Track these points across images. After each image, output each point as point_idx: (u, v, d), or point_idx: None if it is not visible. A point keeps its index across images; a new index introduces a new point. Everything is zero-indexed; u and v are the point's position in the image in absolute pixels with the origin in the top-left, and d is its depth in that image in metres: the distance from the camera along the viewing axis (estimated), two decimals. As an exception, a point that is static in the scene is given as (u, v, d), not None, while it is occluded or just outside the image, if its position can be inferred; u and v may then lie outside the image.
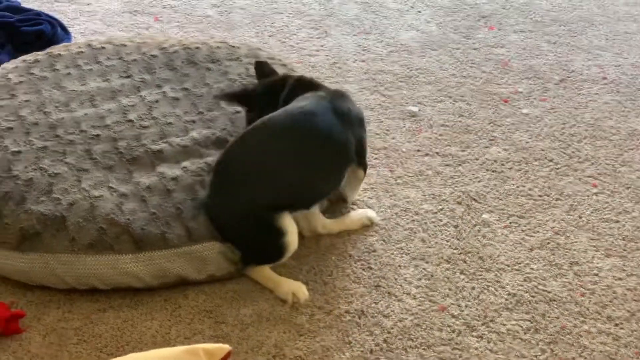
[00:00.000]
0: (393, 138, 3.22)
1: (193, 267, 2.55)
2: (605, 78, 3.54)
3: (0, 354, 2.40)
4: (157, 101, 2.98)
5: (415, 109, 3.38)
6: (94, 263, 2.51)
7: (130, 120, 2.89)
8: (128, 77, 3.10)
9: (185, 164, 2.72)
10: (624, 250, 2.69)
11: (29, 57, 3.21)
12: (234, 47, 3.29)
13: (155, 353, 1.41)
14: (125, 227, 2.53)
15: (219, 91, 3.01)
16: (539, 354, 2.37)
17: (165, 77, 3.10)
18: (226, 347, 1.42)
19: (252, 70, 3.11)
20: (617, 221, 2.81)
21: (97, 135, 2.82)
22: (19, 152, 2.75)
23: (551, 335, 2.42)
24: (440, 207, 2.89)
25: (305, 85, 2.77)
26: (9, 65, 3.19)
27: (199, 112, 2.94)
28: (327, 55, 3.75)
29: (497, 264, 2.66)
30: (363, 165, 2.79)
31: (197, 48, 3.25)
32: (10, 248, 2.54)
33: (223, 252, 2.58)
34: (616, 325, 2.44)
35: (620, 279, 2.59)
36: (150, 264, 2.52)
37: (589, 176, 3.01)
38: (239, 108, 2.95)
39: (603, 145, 3.15)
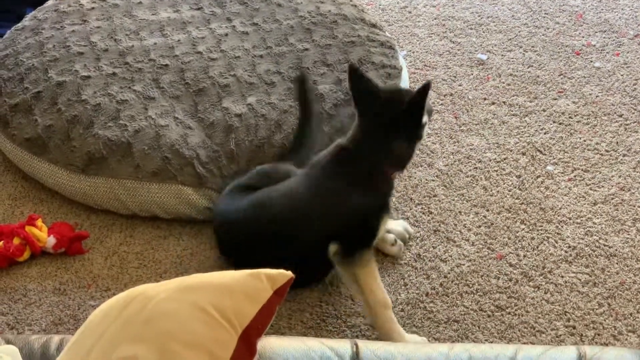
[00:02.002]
0: (460, 85, 3.19)
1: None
2: (682, 35, 3.45)
3: (63, 273, 2.46)
4: (226, 34, 2.98)
5: (484, 57, 3.34)
6: (157, 191, 2.55)
7: (199, 52, 2.90)
8: (199, 9, 3.10)
9: (250, 100, 2.73)
10: (691, 210, 2.65)
11: (101, -16, 3.23)
12: (305, -16, 3.26)
13: (219, 274, 1.43)
14: (190, 160, 2.56)
15: (287, 28, 3.00)
16: (596, 307, 2.35)
17: (235, 11, 3.10)
18: (288, 273, 1.43)
19: (323, 9, 3.09)
20: (685, 181, 2.76)
21: (166, 65, 2.84)
22: (88, 77, 2.78)
23: (609, 289, 2.40)
24: (504, 156, 2.86)
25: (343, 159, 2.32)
26: (82, -9, 3.21)
27: (267, 47, 2.93)
28: (397, -1, 3.71)
29: (558, 216, 2.64)
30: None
31: (269, -17, 3.24)
32: (77, 171, 2.59)
33: None
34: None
35: (684, 238, 2.56)
36: (210, 199, 2.55)
37: (658, 134, 2.96)
38: (307, 45, 2.94)
39: (675, 104, 3.09)
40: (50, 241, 2.48)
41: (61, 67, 2.81)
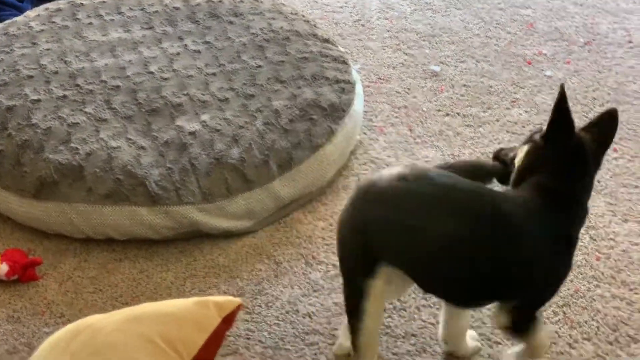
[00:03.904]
0: (414, 97, 3.20)
1: (207, 220, 2.56)
2: (630, 42, 3.48)
3: (17, 300, 2.43)
4: (178, 54, 2.98)
5: (437, 68, 3.36)
6: (110, 214, 2.53)
7: (151, 72, 2.88)
8: (150, 28, 3.09)
9: (204, 117, 2.72)
10: (642, 216, 2.68)
11: (51, 5, 3.21)
12: (257, 1, 3.26)
13: (167, 303, 1.43)
14: (142, 179, 2.54)
15: (240, 46, 3.00)
16: (552, 316, 2.37)
17: (187, 30, 3.09)
18: (237, 300, 1.43)
19: (275, 25, 3.09)
20: (637, 186, 2.78)
21: (117, 86, 2.83)
22: (38, 100, 2.76)
23: (564, 298, 2.42)
24: (459, 167, 2.87)
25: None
26: (32, 13, 3.19)
27: (220, 65, 2.93)
28: (350, 12, 3.72)
29: (513, 226, 2.65)
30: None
31: (220, 1, 3.23)
32: (28, 196, 2.57)
33: (234, 210, 2.59)
34: (630, 290, 2.42)
35: (636, 244, 2.58)
36: (166, 216, 2.54)
37: (610, 141, 2.98)
38: (260, 62, 2.94)
39: (625, 110, 3.11)
40: (3, 268, 2.44)
41: (11, 91, 2.79)
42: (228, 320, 1.41)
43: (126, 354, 1.33)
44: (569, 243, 1.97)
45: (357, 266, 1.97)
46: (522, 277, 1.91)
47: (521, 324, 2.00)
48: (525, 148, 2.02)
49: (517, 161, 2.01)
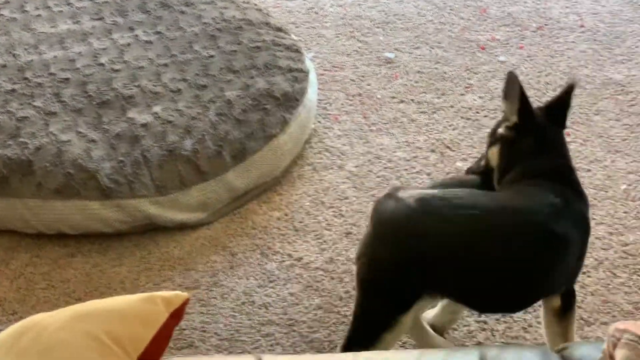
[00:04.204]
0: (368, 84, 3.20)
1: (161, 213, 2.54)
2: (582, 26, 3.50)
3: (-32, 298, 2.40)
4: (129, 44, 2.94)
5: (391, 55, 3.35)
6: (61, 208, 2.50)
7: (101, 64, 2.85)
8: (99, 19, 3.05)
9: (156, 109, 2.69)
10: (594, 199, 2.69)
11: (-2, -2, 3.16)
12: (208, -10, 3.23)
13: (113, 300, 1.41)
14: (93, 173, 2.51)
15: (192, 36, 2.97)
16: (507, 302, 2.38)
17: (137, 20, 3.06)
18: (184, 295, 1.41)
19: (227, 14, 3.07)
20: (589, 170, 2.80)
21: (67, 79, 2.79)
22: (-14, 95, 2.72)
23: (519, 283, 2.43)
24: (414, 154, 2.88)
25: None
26: (-22, 6, 3.14)
27: (172, 55, 2.90)
28: (303, 0, 3.70)
29: (468, 212, 2.66)
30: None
31: (171, -9, 3.20)
32: (-22, 192, 2.53)
33: (188, 202, 2.57)
34: (583, 273, 2.43)
35: (589, 228, 2.59)
36: (119, 210, 2.51)
37: (563, 125, 3.00)
38: (213, 52, 2.91)
39: (577, 94, 3.12)
40: (-48, 267, 2.42)
41: (-43, 86, 2.75)
42: (176, 315, 1.39)
43: (73, 352, 1.31)
44: (586, 207, 2.09)
45: (393, 302, 1.94)
46: (566, 269, 2.02)
47: (568, 302, 2.10)
48: (496, 149, 2.08)
49: (495, 163, 2.09)
